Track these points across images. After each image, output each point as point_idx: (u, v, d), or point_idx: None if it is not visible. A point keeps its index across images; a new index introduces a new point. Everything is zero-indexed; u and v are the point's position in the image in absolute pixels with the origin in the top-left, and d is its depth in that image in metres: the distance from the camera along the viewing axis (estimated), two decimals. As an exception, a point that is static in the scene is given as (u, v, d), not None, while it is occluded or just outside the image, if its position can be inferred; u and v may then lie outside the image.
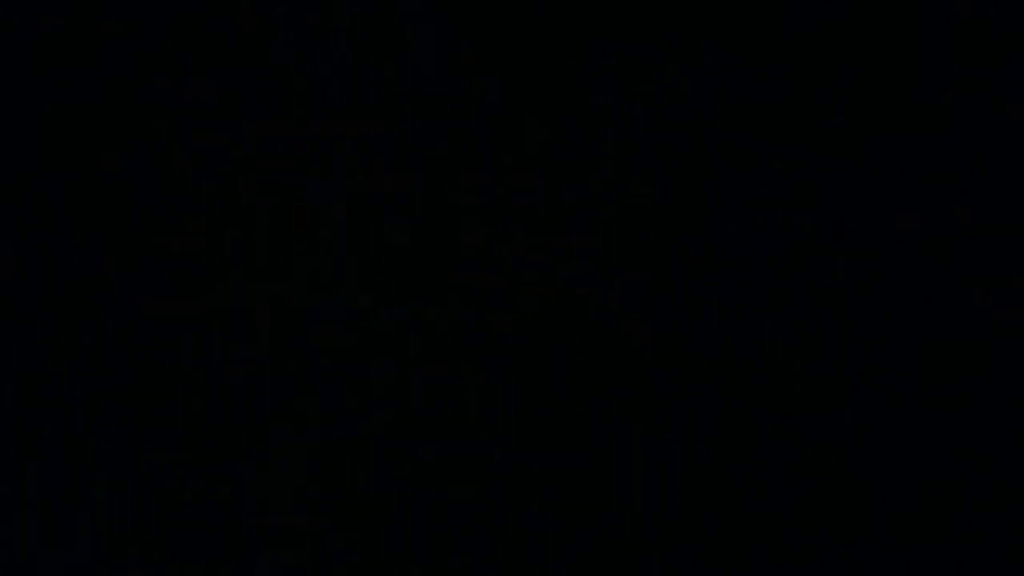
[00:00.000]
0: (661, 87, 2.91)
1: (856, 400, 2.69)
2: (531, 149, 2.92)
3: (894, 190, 2.82)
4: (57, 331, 2.80)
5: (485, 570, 2.56)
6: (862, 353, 2.72)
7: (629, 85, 2.93)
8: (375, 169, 2.91)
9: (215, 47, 2.92)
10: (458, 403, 2.72)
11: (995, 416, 2.64)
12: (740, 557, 2.54)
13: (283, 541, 2.60)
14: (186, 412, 2.72)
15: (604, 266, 2.84)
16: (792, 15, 2.83)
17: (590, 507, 2.62)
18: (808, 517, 2.58)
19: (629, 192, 2.87)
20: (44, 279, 2.84)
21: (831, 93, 2.87)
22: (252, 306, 2.81)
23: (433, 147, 2.93)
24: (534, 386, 2.74)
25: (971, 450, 2.62)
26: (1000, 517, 2.55)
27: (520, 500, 2.63)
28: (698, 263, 2.85)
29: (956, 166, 2.77)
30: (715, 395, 2.71)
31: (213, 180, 2.89)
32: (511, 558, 2.57)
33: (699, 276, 2.83)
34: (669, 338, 2.78)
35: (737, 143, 2.88)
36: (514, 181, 2.90)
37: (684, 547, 2.55)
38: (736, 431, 2.66)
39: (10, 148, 2.92)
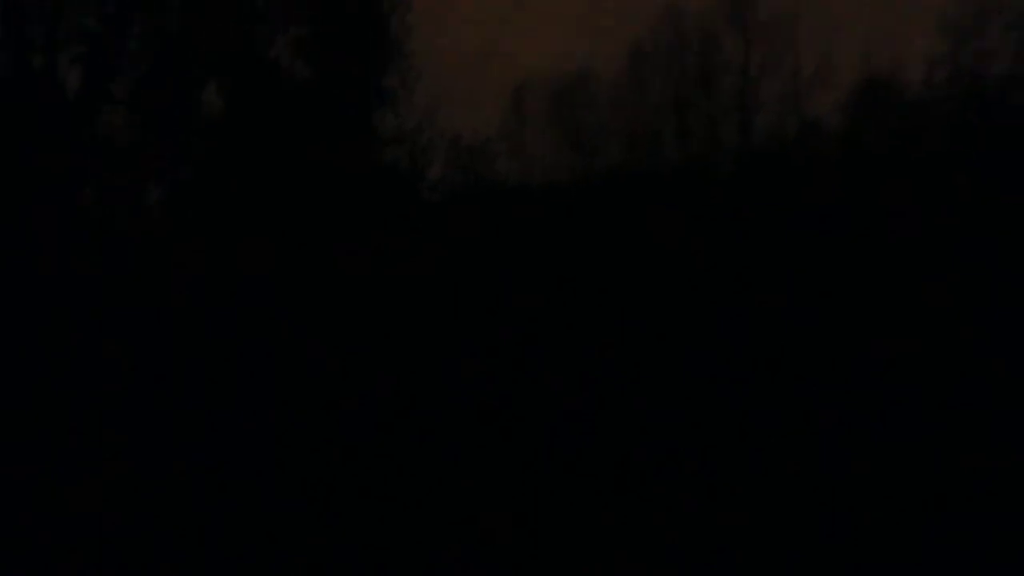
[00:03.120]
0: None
1: (856, 400, 2.69)
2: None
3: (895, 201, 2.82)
4: (57, 331, 2.80)
5: (485, 570, 2.56)
6: (862, 353, 2.73)
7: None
8: None
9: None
10: (459, 402, 2.73)
11: (995, 415, 2.64)
12: (741, 556, 2.54)
13: (282, 538, 2.59)
14: (187, 412, 2.72)
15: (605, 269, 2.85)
16: None
17: (590, 507, 2.62)
18: (808, 516, 2.58)
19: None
20: (44, 279, 2.84)
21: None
22: (256, 307, 2.81)
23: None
24: (534, 385, 2.74)
25: (971, 449, 2.62)
26: (1000, 517, 2.55)
27: (520, 500, 2.63)
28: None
29: (957, 167, 2.77)
30: (715, 395, 2.71)
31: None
32: (511, 558, 2.57)
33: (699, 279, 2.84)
34: (669, 339, 2.78)
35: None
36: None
37: (684, 545, 2.55)
38: (736, 430, 2.67)
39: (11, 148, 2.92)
